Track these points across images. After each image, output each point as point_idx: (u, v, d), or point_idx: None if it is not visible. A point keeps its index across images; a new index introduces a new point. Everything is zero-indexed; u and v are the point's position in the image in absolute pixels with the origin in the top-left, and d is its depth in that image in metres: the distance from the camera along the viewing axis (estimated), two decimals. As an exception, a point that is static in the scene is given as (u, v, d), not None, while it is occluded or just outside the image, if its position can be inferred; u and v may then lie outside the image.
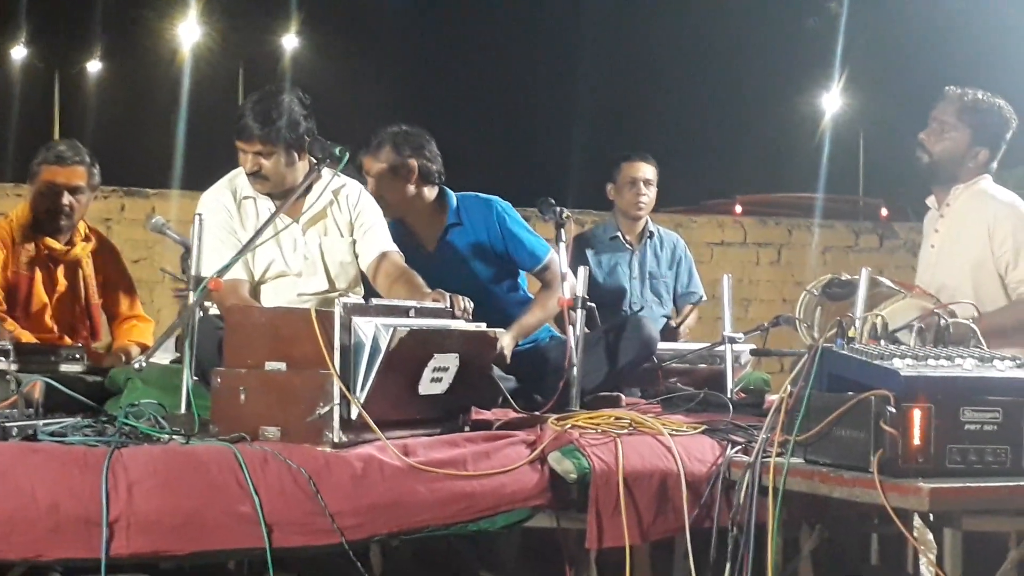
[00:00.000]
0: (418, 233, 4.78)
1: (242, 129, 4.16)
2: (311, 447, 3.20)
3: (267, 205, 4.25)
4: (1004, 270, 4.27)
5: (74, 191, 4.73)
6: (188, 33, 22.23)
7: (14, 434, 3.06)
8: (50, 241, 4.76)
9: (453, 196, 4.78)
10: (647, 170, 6.04)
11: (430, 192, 4.77)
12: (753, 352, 4.68)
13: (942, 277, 4.36)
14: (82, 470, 2.94)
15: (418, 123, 4.89)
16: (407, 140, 4.75)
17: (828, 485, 3.13)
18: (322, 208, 4.31)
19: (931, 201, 4.57)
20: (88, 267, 4.86)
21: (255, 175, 4.19)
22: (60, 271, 4.80)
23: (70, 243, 4.81)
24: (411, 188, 4.73)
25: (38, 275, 4.74)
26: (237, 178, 4.32)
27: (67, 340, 4.66)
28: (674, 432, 3.60)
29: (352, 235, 4.35)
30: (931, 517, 3.49)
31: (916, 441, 3.00)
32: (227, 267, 3.76)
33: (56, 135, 25.67)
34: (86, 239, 4.88)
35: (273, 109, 4.15)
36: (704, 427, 3.73)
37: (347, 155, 4.06)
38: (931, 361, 3.15)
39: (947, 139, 4.42)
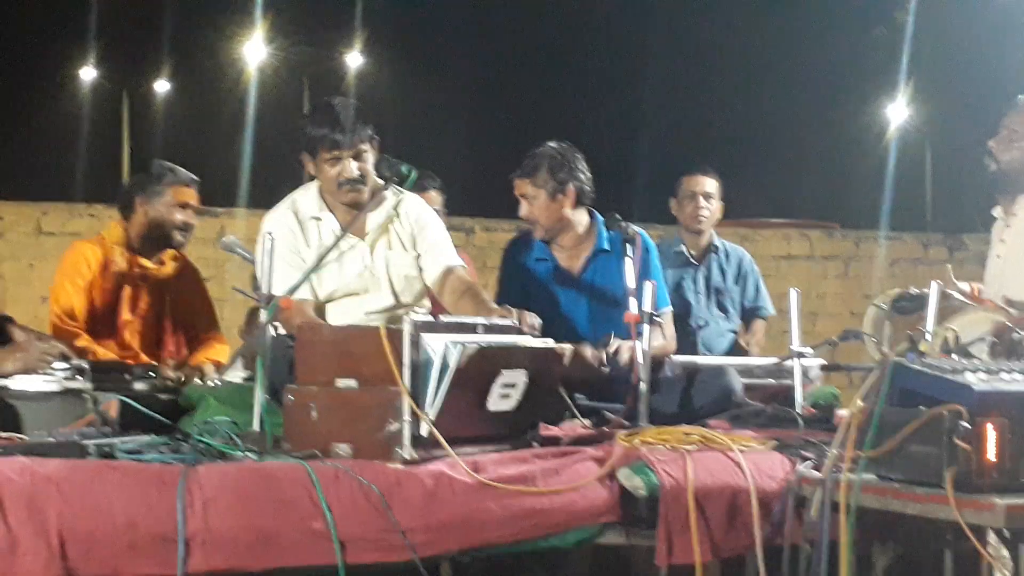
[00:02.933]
0: (565, 255, 4.81)
1: (337, 139, 4.20)
2: (382, 464, 3.21)
3: (331, 225, 4.29)
4: None
5: (195, 211, 5.01)
6: (253, 52, 22.51)
7: (92, 452, 3.10)
8: (142, 260, 4.89)
9: (604, 222, 4.74)
10: (708, 183, 6.02)
11: (581, 215, 4.79)
12: (822, 367, 4.65)
13: (1010, 286, 4.32)
14: (158, 487, 2.97)
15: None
16: (564, 162, 4.74)
17: (901, 501, 3.09)
18: (385, 223, 4.34)
19: (997, 211, 4.54)
20: (173, 286, 4.99)
21: (356, 181, 4.22)
22: (146, 289, 4.94)
23: (160, 262, 4.94)
24: (567, 211, 4.75)
25: (126, 292, 4.89)
26: (299, 200, 4.37)
27: (145, 358, 4.76)
28: (744, 448, 3.58)
29: (415, 249, 4.38)
30: (1007, 533, 3.45)
31: (991, 456, 2.96)
32: (296, 287, 3.81)
33: (125, 155, 26.11)
34: (174, 259, 5.02)
35: (355, 115, 4.23)
36: (774, 443, 3.71)
37: (414, 174, 4.10)
38: (1004, 375, 3.11)
39: (1016, 148, 4.39)
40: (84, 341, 4.69)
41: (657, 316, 4.25)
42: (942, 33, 17.33)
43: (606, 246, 4.78)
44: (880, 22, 19.09)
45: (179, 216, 4.92)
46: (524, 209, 4.79)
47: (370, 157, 4.26)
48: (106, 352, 4.70)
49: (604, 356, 4.41)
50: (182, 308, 5.04)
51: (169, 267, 5.01)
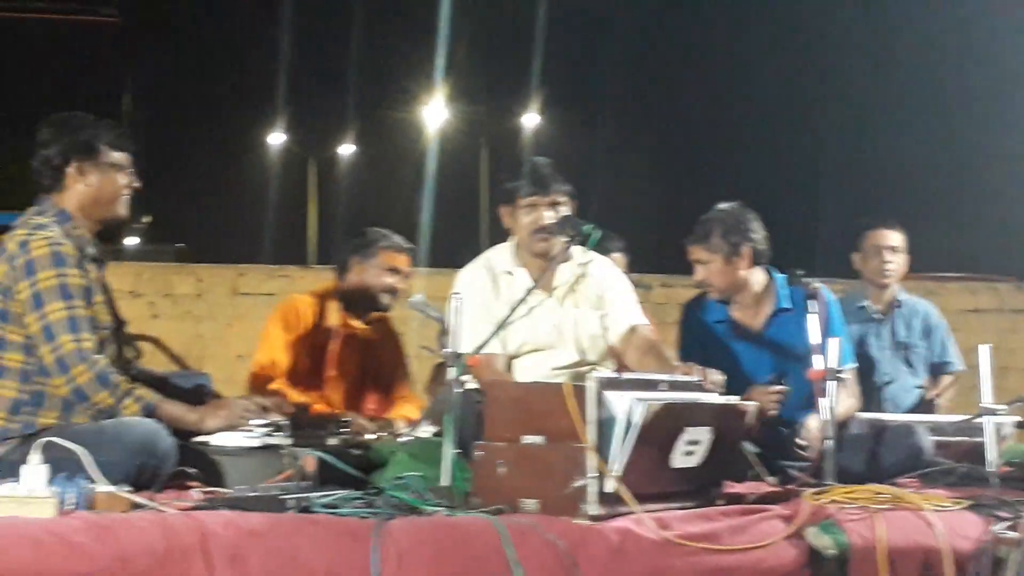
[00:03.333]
0: (744, 314, 4.80)
1: (535, 188, 4.37)
2: (568, 520, 3.25)
3: (523, 280, 4.39)
4: None
5: (406, 276, 5.20)
6: (434, 115, 23.01)
7: (291, 506, 3.21)
8: (351, 319, 5.09)
9: (782, 279, 4.75)
10: (893, 237, 5.92)
11: (757, 274, 4.78)
12: (1016, 424, 4.52)
13: None
14: (354, 541, 3.05)
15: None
16: (736, 224, 4.73)
17: (1103, 563, 3.01)
18: (573, 281, 4.42)
19: None
20: (377, 346, 5.19)
21: (550, 230, 4.33)
22: (352, 347, 5.14)
23: (367, 323, 5.15)
24: (742, 272, 4.75)
25: (334, 348, 5.09)
26: (493, 256, 4.50)
27: (344, 412, 4.94)
28: (936, 507, 3.52)
29: (601, 308, 4.44)
30: None
31: None
32: (484, 344, 3.90)
33: (312, 217, 26.94)
34: (378, 320, 5.21)
35: (553, 169, 4.42)
36: (967, 502, 3.63)
37: (599, 234, 4.18)
38: None
39: None
40: (279, 385, 4.89)
41: (842, 373, 4.20)
42: None
43: (786, 304, 4.75)
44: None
45: (388, 280, 5.12)
46: (699, 274, 4.78)
47: (565, 211, 4.38)
48: (299, 397, 4.88)
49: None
50: (383, 367, 5.23)
51: (374, 327, 5.22)
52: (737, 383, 4.26)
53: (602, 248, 4.83)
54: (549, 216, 4.35)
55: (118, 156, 4.02)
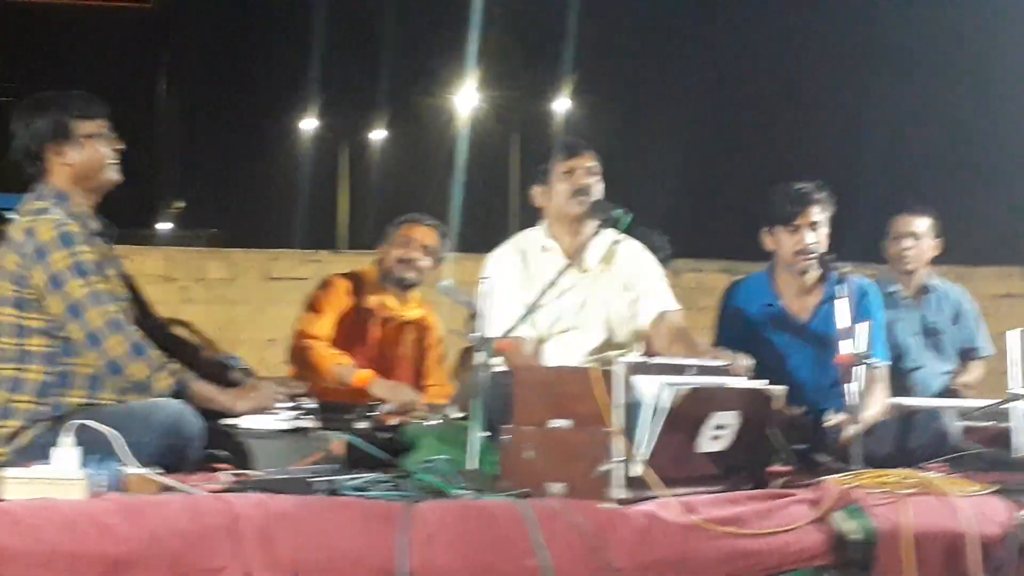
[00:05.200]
0: (795, 301, 4.76)
1: (574, 146, 4.45)
2: (595, 503, 3.26)
3: (555, 257, 4.40)
4: None
5: (426, 249, 5.23)
6: (465, 101, 23.04)
7: (320, 488, 3.23)
8: (388, 300, 5.15)
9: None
10: (915, 223, 5.88)
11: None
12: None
13: None
14: (382, 523, 3.07)
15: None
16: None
17: None
18: (603, 261, 4.44)
19: None
20: (412, 330, 5.25)
21: (585, 192, 4.38)
22: (390, 328, 5.23)
23: (403, 304, 5.21)
24: None
25: (369, 327, 5.17)
26: (525, 236, 4.53)
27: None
28: (963, 492, 3.52)
29: (631, 291, 4.44)
30: None
31: None
32: (515, 327, 3.91)
33: (343, 202, 27.05)
34: (418, 305, 5.30)
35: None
36: (995, 487, 3.62)
37: (630, 218, 4.18)
38: None
39: None
40: (321, 349, 4.95)
41: (873, 363, 4.16)
42: None
43: (836, 292, 4.71)
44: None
45: (404, 252, 5.15)
46: (811, 237, 4.66)
47: (597, 178, 4.42)
48: (342, 359, 4.94)
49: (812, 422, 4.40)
50: (416, 353, 5.28)
51: (413, 311, 5.27)
52: (776, 370, 4.24)
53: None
54: (583, 177, 4.40)
55: (90, 126, 3.93)
